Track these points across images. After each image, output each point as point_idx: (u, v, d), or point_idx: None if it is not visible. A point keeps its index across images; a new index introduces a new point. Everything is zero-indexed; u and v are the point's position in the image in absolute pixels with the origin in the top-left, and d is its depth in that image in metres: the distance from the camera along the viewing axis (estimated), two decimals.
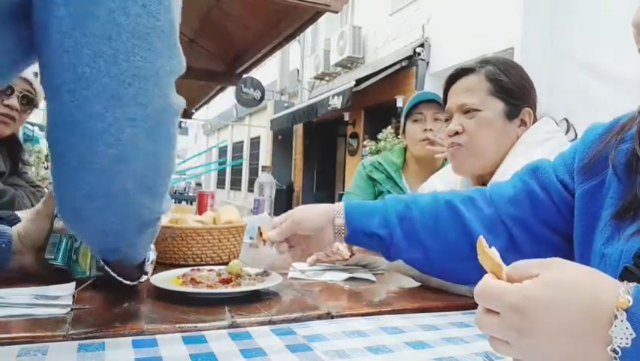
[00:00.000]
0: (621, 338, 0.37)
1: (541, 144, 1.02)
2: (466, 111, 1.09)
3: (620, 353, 0.37)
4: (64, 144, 0.53)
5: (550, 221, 0.75)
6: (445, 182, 1.25)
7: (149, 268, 0.80)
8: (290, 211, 0.91)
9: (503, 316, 0.41)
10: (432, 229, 0.82)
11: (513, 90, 1.08)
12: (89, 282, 0.78)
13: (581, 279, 0.41)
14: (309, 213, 0.89)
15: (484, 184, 1.09)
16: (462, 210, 0.82)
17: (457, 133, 1.10)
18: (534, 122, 1.09)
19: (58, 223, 0.87)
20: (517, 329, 0.41)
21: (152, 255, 0.81)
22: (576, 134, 1.08)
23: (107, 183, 0.54)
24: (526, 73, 1.13)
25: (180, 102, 0.58)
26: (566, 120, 1.11)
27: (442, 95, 1.79)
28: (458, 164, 1.13)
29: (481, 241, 0.46)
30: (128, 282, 0.76)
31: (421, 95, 1.82)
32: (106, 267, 0.76)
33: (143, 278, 0.79)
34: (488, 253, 0.45)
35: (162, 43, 0.53)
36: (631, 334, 0.37)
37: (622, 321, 0.38)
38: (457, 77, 1.14)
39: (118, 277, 0.76)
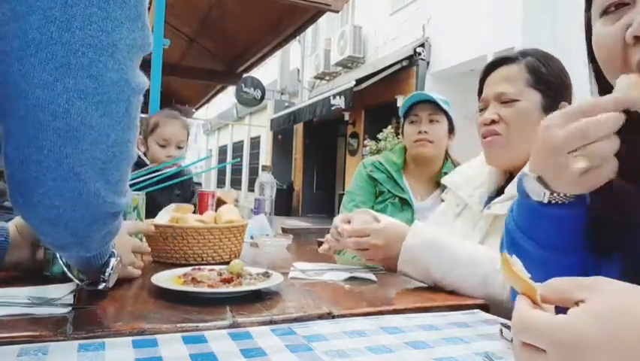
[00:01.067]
0: None
1: None
2: (504, 101, 1.07)
3: None
4: (12, 119, 0.50)
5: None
6: (475, 173, 1.21)
7: (109, 274, 0.75)
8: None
9: (550, 354, 0.38)
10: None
11: (551, 82, 1.06)
12: (84, 283, 0.77)
13: (635, 309, 0.37)
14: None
15: (512, 178, 1.07)
16: None
17: (493, 122, 1.07)
18: None
19: None
20: None
21: (112, 261, 0.75)
22: None
23: (56, 165, 0.50)
24: (565, 68, 1.09)
25: (142, 82, 0.55)
26: None
27: (436, 94, 1.77)
28: (494, 155, 1.09)
29: (506, 257, 0.41)
30: (86, 287, 0.75)
31: (416, 97, 1.82)
32: (64, 267, 0.76)
33: (101, 286, 0.75)
34: (517, 272, 0.41)
35: (123, 13, 0.50)
36: None
37: None
38: (496, 66, 1.11)
39: (74, 279, 0.75)
